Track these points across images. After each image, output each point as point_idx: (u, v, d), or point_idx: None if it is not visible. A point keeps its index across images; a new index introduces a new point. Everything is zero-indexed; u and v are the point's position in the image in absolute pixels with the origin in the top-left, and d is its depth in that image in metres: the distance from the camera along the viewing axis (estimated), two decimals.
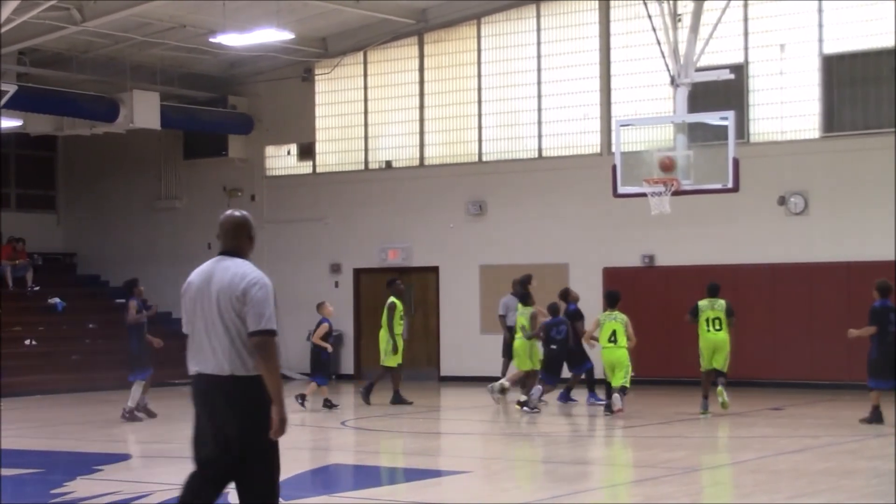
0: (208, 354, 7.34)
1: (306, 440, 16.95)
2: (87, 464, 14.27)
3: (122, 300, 18.40)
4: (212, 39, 24.95)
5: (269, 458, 7.51)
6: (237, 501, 7.68)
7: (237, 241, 7.52)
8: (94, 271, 31.74)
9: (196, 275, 7.51)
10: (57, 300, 28.77)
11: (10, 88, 21.70)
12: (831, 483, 11.94)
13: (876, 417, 17.10)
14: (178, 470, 13.80)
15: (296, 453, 15.41)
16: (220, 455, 7.37)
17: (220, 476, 7.46)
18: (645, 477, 13.11)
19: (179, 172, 30.69)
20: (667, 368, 23.30)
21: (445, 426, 18.77)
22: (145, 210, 31.09)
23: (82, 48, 26.35)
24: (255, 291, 7.31)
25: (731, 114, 19.43)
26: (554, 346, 19.21)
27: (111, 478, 13.13)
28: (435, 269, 27.42)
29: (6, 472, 14.01)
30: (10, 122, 25.72)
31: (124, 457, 14.74)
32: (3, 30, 20.82)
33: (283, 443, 15.89)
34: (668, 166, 18.98)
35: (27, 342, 26.77)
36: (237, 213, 7.61)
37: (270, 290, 7.44)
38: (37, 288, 29.13)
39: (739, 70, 23.60)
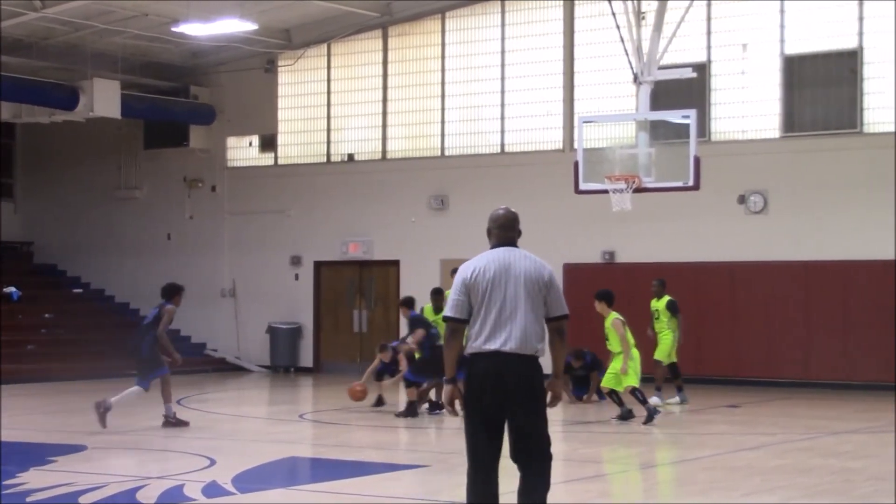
0: (513, 334, 7.85)
1: (265, 433, 16.91)
2: (41, 455, 14.13)
3: (161, 304, 16.77)
4: (174, 29, 24.81)
5: (548, 438, 7.99)
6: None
7: (514, 232, 8.17)
8: (51, 260, 31.51)
9: (484, 261, 8.01)
10: (12, 289, 28.46)
11: None
12: (786, 480, 12.02)
13: None
14: (134, 462, 13.84)
15: (254, 446, 15.39)
16: (512, 434, 7.91)
17: (498, 454, 7.92)
18: (600, 473, 13.15)
19: (140, 162, 30.51)
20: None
21: (404, 420, 18.74)
22: (105, 199, 30.89)
23: (42, 35, 26.14)
24: (556, 281, 8.09)
25: (692, 112, 19.48)
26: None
27: (65, 469, 12.99)
28: (396, 263, 27.40)
29: None
30: None
31: (80, 448, 14.61)
32: None
33: (243, 435, 15.82)
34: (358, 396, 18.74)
35: None
36: (511, 209, 8.24)
37: None
38: None
39: (702, 69, 23.71)
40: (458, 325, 7.97)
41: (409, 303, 18.80)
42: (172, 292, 16.87)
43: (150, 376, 16.56)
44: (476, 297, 7.94)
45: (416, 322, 18.25)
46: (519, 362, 7.86)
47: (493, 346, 7.87)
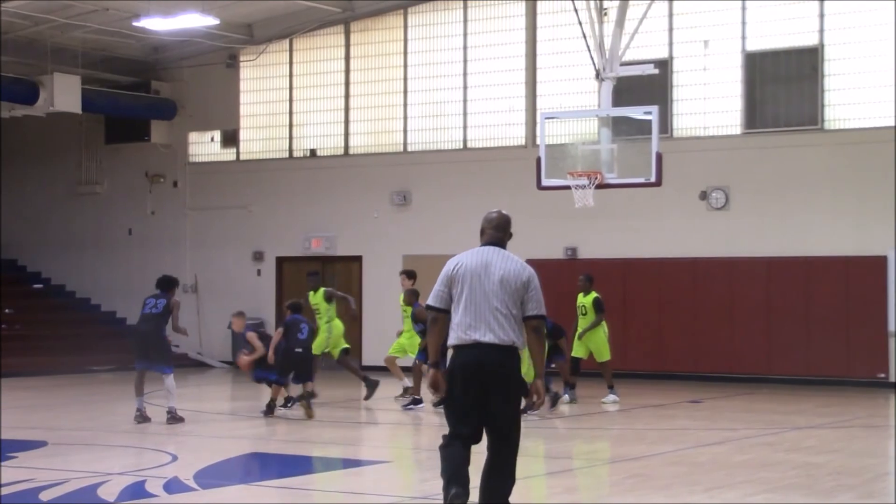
0: (489, 326, 8.44)
1: (227, 429, 16.84)
2: (1, 451, 14.03)
3: (161, 294, 16.65)
4: (135, 24, 24.66)
5: (519, 424, 8.63)
6: None
7: (504, 234, 8.76)
8: (12, 256, 31.27)
9: (467, 257, 8.64)
10: None
11: None
12: (749, 475, 12.06)
13: None
14: (95, 458, 13.75)
15: (216, 442, 15.32)
16: (481, 418, 8.50)
17: (475, 434, 8.55)
18: (564, 468, 13.16)
19: (101, 157, 30.33)
20: (590, 360, 23.33)
21: (366, 416, 18.72)
22: (66, 195, 30.70)
23: (3, 29, 25.88)
24: (536, 282, 8.58)
25: (654, 108, 19.47)
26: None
27: (26, 465, 12.90)
28: (358, 259, 27.36)
29: None
30: None
31: (40, 443, 14.51)
32: None
33: (205, 431, 15.74)
34: None
35: None
36: (504, 212, 8.85)
37: None
38: None
39: (664, 65, 23.78)
40: (438, 314, 8.61)
41: (297, 307, 18.29)
42: (171, 284, 17.04)
43: (170, 361, 16.78)
44: (456, 290, 8.56)
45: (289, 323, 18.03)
46: (497, 352, 8.45)
47: (472, 336, 8.48)
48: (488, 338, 8.47)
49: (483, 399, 8.47)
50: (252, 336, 17.91)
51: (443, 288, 8.64)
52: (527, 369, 9.41)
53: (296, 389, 18.01)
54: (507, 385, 8.51)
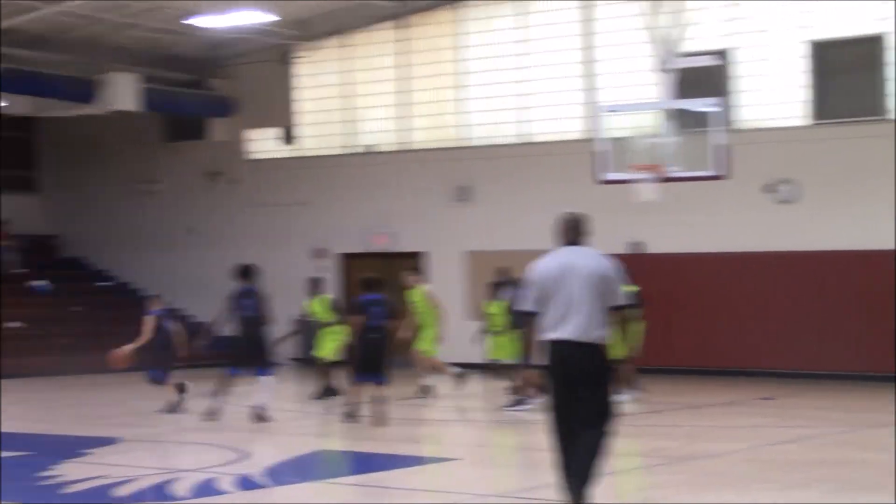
0: (577, 324, 8.86)
1: (295, 426, 16.82)
2: (74, 447, 14.13)
3: (244, 289, 16.27)
4: (191, 21, 24.72)
5: (612, 415, 9.01)
6: None
7: (581, 233, 9.21)
8: (76, 253, 31.49)
9: (550, 259, 9.08)
10: (41, 282, 28.56)
11: None
12: (825, 473, 11.88)
13: None
14: (167, 454, 13.79)
15: (285, 439, 15.34)
16: (578, 409, 8.91)
17: (574, 428, 8.91)
18: (636, 466, 13.01)
19: (160, 155, 30.44)
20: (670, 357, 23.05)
21: (431, 413, 18.65)
22: (126, 192, 30.83)
23: (61, 29, 26.04)
24: (617, 275, 9.05)
25: (717, 100, 19.34)
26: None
27: (98, 461, 13.01)
28: (421, 255, 27.26)
29: None
30: None
31: (112, 440, 14.58)
32: None
33: (273, 428, 15.74)
34: None
35: (11, 325, 26.43)
36: (578, 212, 9.29)
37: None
38: (21, 270, 28.91)
39: (725, 56, 23.51)
40: (529, 318, 9.07)
41: (371, 283, 16.76)
42: (253, 273, 16.59)
43: (271, 363, 16.55)
44: (542, 292, 9.00)
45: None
46: (581, 349, 8.88)
47: (559, 335, 8.93)
48: (577, 335, 8.88)
49: (575, 393, 8.91)
50: (147, 320, 17.52)
51: (531, 291, 9.07)
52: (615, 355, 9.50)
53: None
54: (595, 379, 8.93)
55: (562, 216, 9.27)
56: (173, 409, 17.28)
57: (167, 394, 17.53)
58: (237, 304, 16.28)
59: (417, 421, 17.64)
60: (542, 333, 9.03)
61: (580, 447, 8.90)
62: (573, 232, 9.22)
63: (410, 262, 24.82)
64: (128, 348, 17.62)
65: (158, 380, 17.59)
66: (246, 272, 16.53)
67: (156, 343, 17.48)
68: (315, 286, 19.83)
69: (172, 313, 17.80)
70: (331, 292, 20.05)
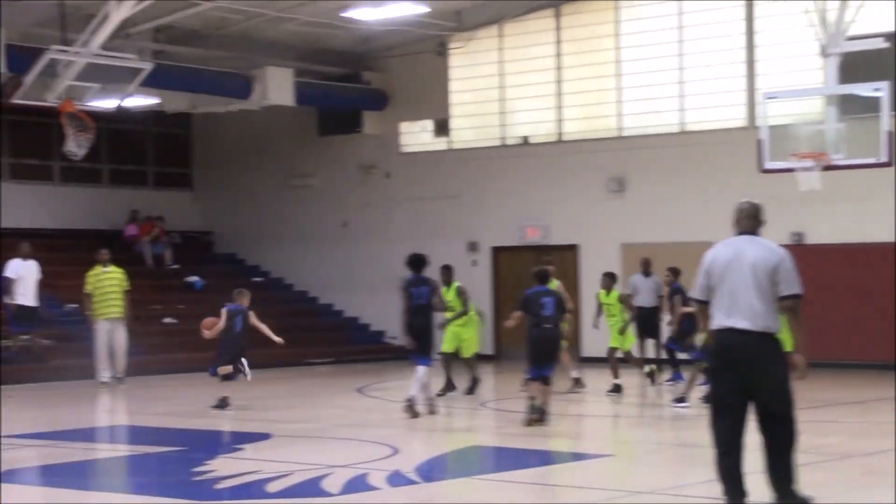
0: (743, 313, 8.87)
1: (446, 422, 16.65)
2: (227, 443, 14.15)
3: (416, 278, 16.08)
4: (344, 14, 24.74)
5: (792, 402, 9.06)
6: None
7: (757, 222, 9.23)
8: (230, 249, 31.82)
9: (722, 248, 9.15)
10: (195, 279, 28.91)
11: (146, 66, 21.71)
12: None
13: None
14: (319, 449, 13.71)
15: (436, 435, 15.19)
16: (745, 399, 8.93)
17: (737, 421, 8.94)
18: (797, 463, 12.49)
19: (314, 149, 30.58)
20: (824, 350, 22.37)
21: (585, 408, 18.33)
22: (280, 187, 31.04)
23: (216, 25, 26.32)
24: (787, 263, 8.99)
25: (885, 84, 18.67)
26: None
27: (252, 457, 13.04)
28: (574, 248, 26.89)
29: (147, 449, 14.00)
30: (146, 100, 25.81)
31: (264, 436, 14.59)
32: (139, 7, 20.80)
33: (423, 425, 15.63)
34: None
35: (166, 320, 26.81)
36: (755, 201, 9.29)
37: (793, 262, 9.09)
38: (175, 266, 29.30)
39: (894, 38, 22.63)
40: (701, 306, 9.19)
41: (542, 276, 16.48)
42: (424, 263, 16.37)
43: (433, 354, 16.42)
44: (713, 281, 9.05)
45: None
46: (750, 338, 8.87)
47: (727, 323, 8.94)
48: (743, 324, 8.87)
49: (745, 385, 8.88)
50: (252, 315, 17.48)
51: (702, 280, 9.13)
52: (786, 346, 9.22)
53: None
54: (766, 367, 8.90)
55: (738, 204, 9.28)
56: (221, 405, 17.17)
57: (222, 388, 17.44)
58: (410, 292, 16.15)
59: (576, 417, 17.35)
60: (711, 321, 9.08)
61: (774, 446, 8.96)
62: (748, 220, 9.22)
63: (551, 255, 24.41)
64: (213, 321, 17.60)
65: (217, 373, 17.47)
66: (418, 261, 16.38)
67: (224, 337, 17.34)
68: (448, 274, 19.51)
69: (244, 313, 17.74)
70: (460, 280, 19.73)
